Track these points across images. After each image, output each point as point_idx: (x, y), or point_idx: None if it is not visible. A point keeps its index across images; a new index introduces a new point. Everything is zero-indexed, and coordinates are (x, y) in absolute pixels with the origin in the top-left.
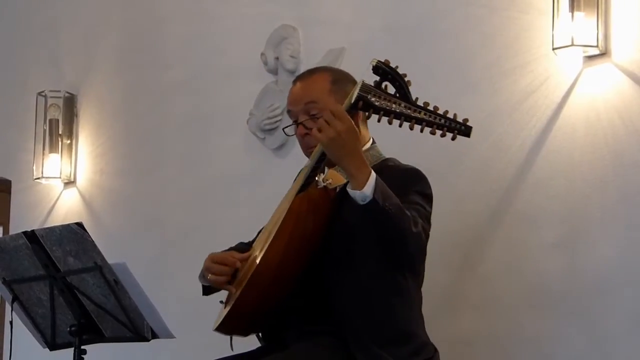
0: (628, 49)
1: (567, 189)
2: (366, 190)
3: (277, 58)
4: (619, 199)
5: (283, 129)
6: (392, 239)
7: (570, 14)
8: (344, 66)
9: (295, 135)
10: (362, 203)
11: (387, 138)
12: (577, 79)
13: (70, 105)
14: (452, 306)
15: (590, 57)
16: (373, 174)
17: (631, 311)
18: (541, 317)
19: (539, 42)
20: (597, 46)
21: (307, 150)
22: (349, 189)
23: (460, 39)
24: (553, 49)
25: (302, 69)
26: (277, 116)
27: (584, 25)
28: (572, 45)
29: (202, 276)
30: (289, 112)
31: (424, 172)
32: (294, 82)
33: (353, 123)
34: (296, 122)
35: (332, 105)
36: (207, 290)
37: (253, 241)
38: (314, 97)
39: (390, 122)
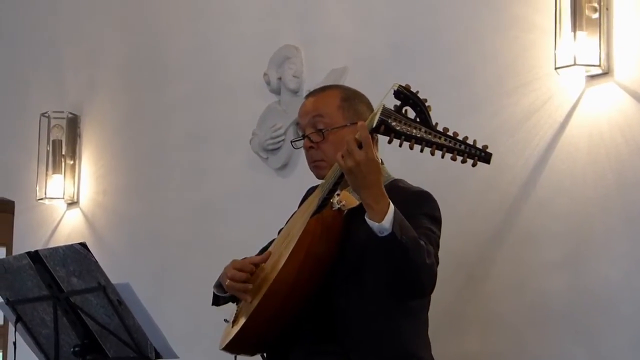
0: (630, 68)
1: (570, 208)
2: (385, 223)
3: (279, 78)
4: (622, 218)
5: (291, 142)
6: (405, 271)
7: (573, 33)
8: (347, 85)
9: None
10: (379, 235)
11: (388, 158)
12: (580, 98)
13: (73, 126)
14: (456, 325)
15: (593, 77)
16: (392, 207)
17: (634, 330)
18: (544, 336)
19: (541, 62)
20: (599, 65)
21: (312, 163)
22: (367, 219)
23: (462, 58)
24: (555, 68)
25: (305, 88)
26: (280, 136)
27: (587, 45)
28: (575, 64)
29: (218, 284)
30: (297, 124)
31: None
32: (307, 96)
33: (375, 154)
34: (304, 136)
35: (359, 132)
36: (217, 300)
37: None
38: (321, 111)
39: (411, 147)
